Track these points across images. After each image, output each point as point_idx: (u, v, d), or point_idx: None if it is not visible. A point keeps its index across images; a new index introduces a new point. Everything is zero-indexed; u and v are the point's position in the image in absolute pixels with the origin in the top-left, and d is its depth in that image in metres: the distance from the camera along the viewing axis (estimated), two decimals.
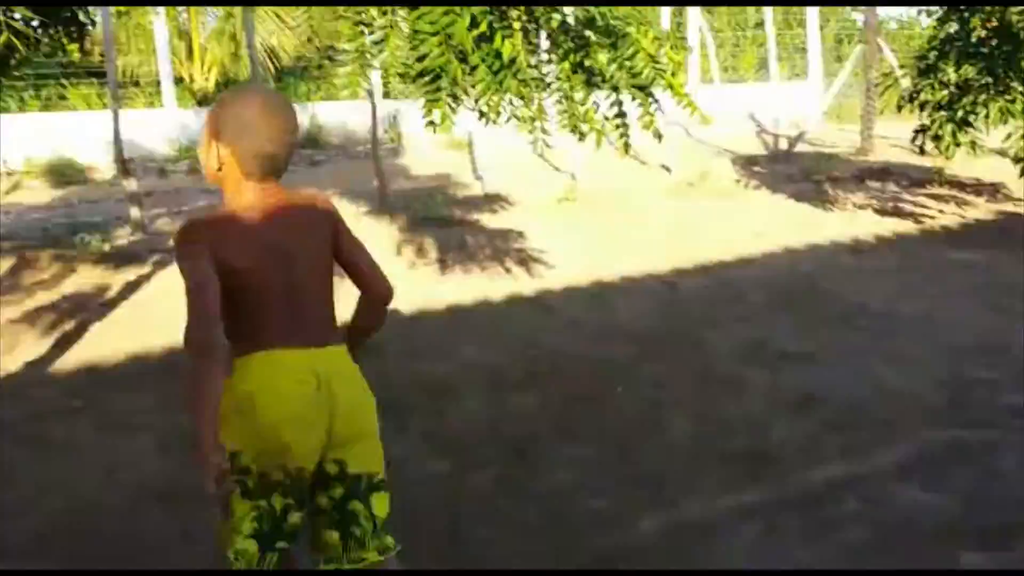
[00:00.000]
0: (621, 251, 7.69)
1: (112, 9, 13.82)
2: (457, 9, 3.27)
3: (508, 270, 7.18)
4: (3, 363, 5.38)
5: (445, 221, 8.89)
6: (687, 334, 5.54)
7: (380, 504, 2.28)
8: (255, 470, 2.13)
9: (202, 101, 16.00)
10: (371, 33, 3.31)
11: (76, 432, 4.38)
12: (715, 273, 6.99)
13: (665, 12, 12.31)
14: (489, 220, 8.94)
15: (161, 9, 14.26)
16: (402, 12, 3.40)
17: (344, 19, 3.44)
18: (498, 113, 3.49)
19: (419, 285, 6.77)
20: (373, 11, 3.32)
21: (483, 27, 3.33)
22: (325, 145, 14.55)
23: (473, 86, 3.41)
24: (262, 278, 2.18)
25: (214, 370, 2.01)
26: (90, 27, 5.12)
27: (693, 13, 13.65)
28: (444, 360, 5.20)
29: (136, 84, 16.49)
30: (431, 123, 3.41)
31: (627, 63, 3.82)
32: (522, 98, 3.52)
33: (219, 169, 2.22)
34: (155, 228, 9.14)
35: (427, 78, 3.31)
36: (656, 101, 3.98)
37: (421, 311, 6.13)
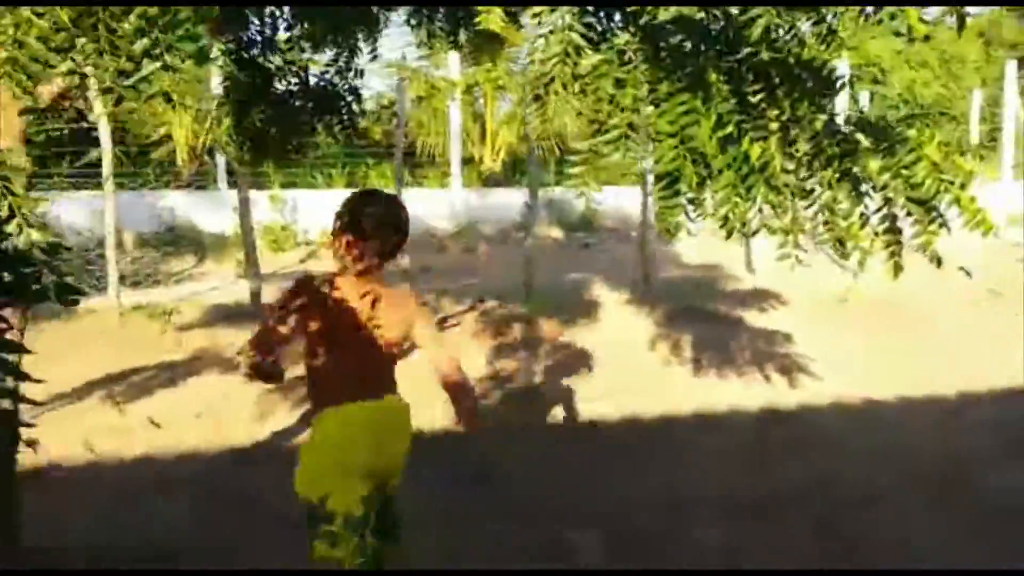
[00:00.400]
0: (901, 366, 6.89)
1: (412, 93, 14.82)
2: (700, 107, 2.96)
3: (767, 377, 6.64)
4: (253, 430, 5.63)
5: (707, 316, 8.46)
6: (962, 474, 4.77)
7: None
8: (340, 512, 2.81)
9: (487, 182, 16.63)
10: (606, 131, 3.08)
11: None
12: (1011, 405, 6.04)
13: (976, 96, 11.19)
14: (755, 318, 8.40)
15: (458, 94, 15.03)
16: (649, 109, 3.14)
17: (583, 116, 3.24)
18: (744, 223, 3.12)
19: (668, 385, 6.42)
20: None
21: (730, 129, 3.00)
22: (599, 228, 14.58)
23: (716, 192, 3.07)
24: (340, 341, 2.92)
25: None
26: (359, 117, 5.30)
27: (1011, 93, 12.32)
28: (677, 473, 4.79)
29: (433, 163, 17.52)
30: (667, 230, 3.11)
31: (904, 172, 3.32)
32: (774, 207, 3.13)
33: (340, 250, 3.05)
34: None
35: (663, 181, 3.02)
36: (939, 216, 3.42)
37: (664, 415, 5.76)
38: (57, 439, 5.46)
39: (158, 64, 1.81)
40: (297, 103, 5.00)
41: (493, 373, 7.08)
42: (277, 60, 4.82)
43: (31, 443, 5.47)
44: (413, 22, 4.95)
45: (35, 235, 1.79)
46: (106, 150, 8.72)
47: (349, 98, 5.15)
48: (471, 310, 9.16)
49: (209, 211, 13.15)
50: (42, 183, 13.41)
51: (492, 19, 3.51)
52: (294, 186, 14.97)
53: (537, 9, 3.11)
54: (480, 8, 3.52)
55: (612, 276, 9.88)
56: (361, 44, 4.80)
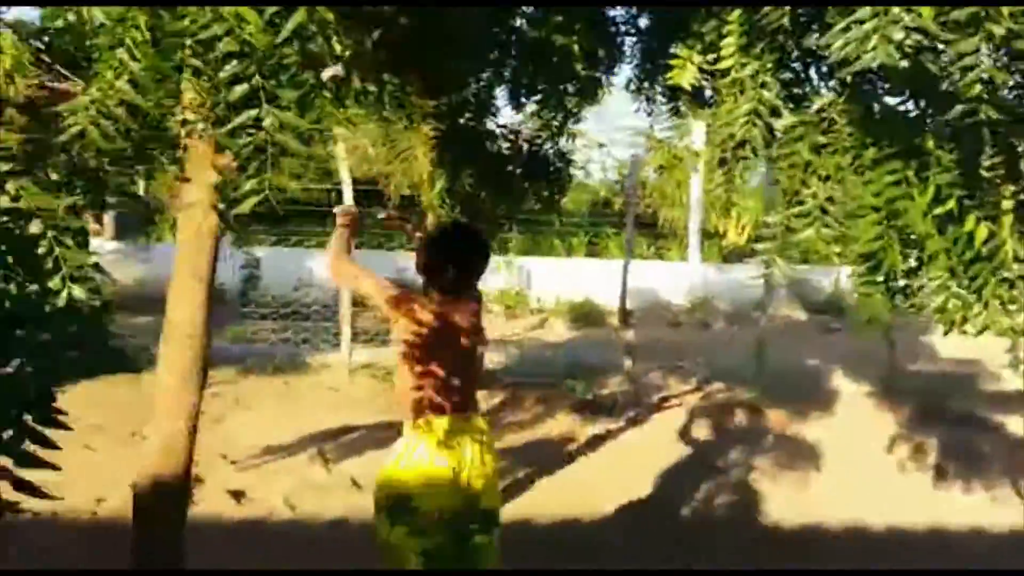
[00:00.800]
0: None
1: (654, 163, 14.61)
2: (913, 178, 2.51)
3: (1021, 493, 5.70)
4: None
5: (958, 417, 7.49)
6: None
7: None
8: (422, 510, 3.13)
9: (727, 257, 16.03)
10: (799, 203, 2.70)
11: None
12: None
13: None
14: (1016, 425, 7.33)
15: (700, 165, 14.63)
16: (851, 178, 2.72)
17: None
18: (965, 319, 2.59)
19: (903, 493, 5.67)
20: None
21: (950, 205, 2.51)
22: (847, 310, 13.54)
23: (930, 279, 2.59)
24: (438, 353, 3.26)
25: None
26: (568, 184, 5.16)
27: None
28: None
29: (675, 235, 17.17)
30: (868, 320, 2.66)
31: None
32: (1003, 303, 2.58)
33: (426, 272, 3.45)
34: (646, 380, 9.07)
35: (864, 264, 2.58)
36: None
37: (892, 528, 5.05)
38: (261, 492, 5.61)
39: (254, 112, 1.69)
40: (508, 167, 4.93)
41: (709, 461, 6.60)
42: (490, 123, 4.77)
43: (237, 494, 5.70)
44: (632, 87, 4.73)
45: (76, 291, 1.70)
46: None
47: (559, 163, 5.01)
48: (695, 391, 8.70)
49: None
50: (287, 239, 14.40)
51: (684, 75, 3.23)
52: (534, 252, 15.14)
53: (726, 63, 2.79)
54: (673, 63, 3.26)
55: (855, 365, 9.05)
56: (571, 104, 4.63)
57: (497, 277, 13.31)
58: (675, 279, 13.82)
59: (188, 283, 3.11)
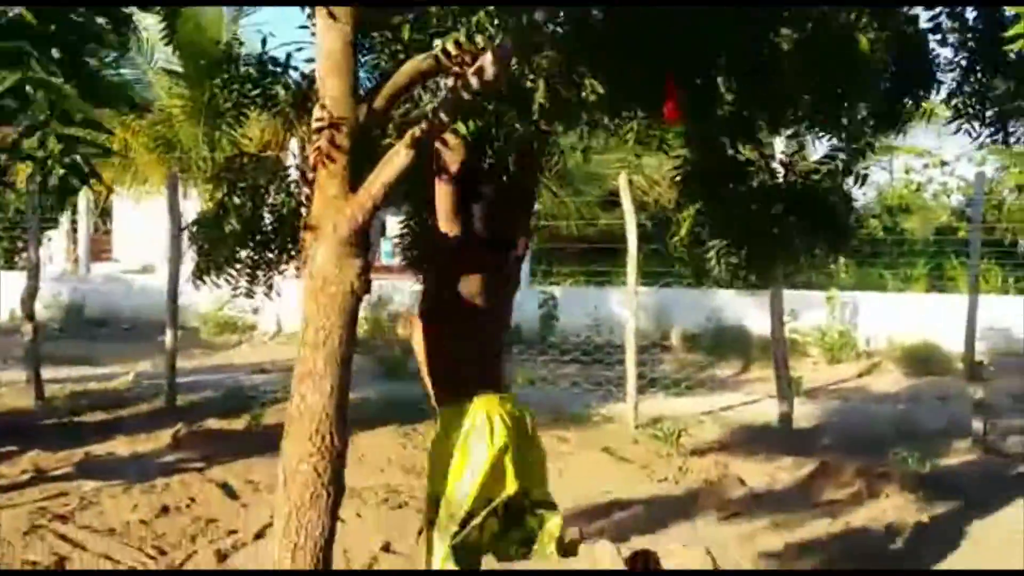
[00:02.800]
0: None
1: (1012, 182, 12.29)
2: None
3: None
4: None
5: None
6: None
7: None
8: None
9: None
10: None
11: None
12: None
13: None
14: None
15: None
16: None
17: None
18: None
19: None
20: None
21: None
22: None
23: None
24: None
25: None
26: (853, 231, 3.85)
27: None
28: None
29: None
30: None
31: None
32: None
33: None
34: (1003, 447, 7.27)
35: None
36: None
37: None
38: None
39: None
40: (772, 205, 3.71)
41: None
42: (749, 152, 3.61)
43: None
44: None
45: None
46: (632, 248, 8.22)
47: (838, 206, 3.68)
48: None
49: (760, 309, 12.10)
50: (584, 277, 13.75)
51: None
52: (863, 285, 13.34)
53: None
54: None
55: None
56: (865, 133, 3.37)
57: (817, 313, 11.75)
58: None
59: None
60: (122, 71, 13.92)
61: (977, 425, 7.23)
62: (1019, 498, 6.14)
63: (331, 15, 2.38)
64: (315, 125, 2.43)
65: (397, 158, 2.29)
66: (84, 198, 15.71)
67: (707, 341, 12.12)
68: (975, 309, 7.51)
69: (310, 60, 3.00)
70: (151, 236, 13.84)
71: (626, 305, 8.64)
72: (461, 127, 2.37)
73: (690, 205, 3.67)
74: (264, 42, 3.59)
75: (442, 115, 2.27)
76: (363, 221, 2.36)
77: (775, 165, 3.45)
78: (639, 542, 5.30)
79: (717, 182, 3.46)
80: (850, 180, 3.32)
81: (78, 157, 1.69)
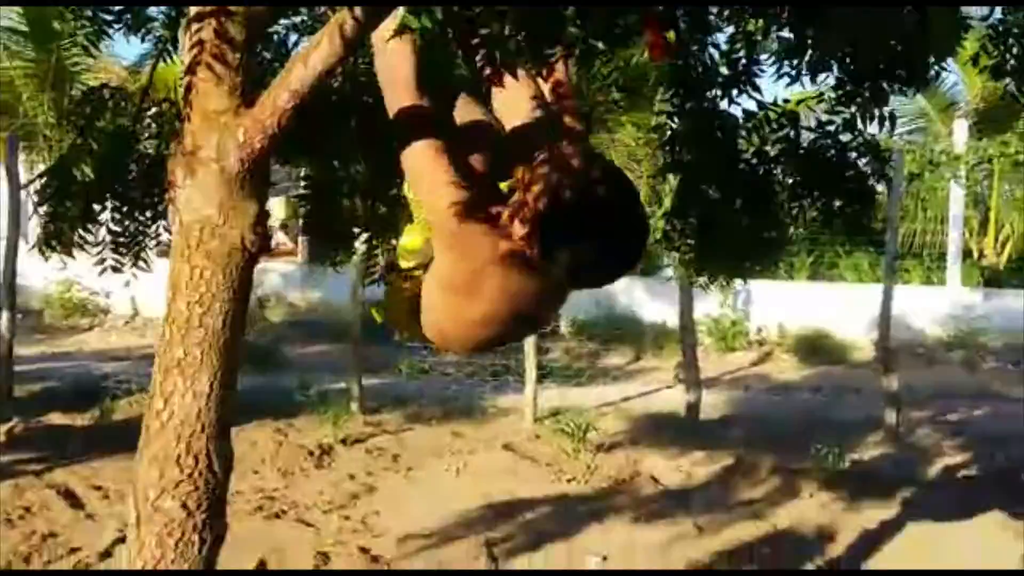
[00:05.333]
0: None
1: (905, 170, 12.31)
2: None
3: None
4: None
5: None
6: None
7: None
8: None
9: (990, 281, 13.41)
10: None
11: None
12: None
13: None
14: None
15: (962, 171, 12.25)
16: None
17: None
18: None
19: None
20: None
21: None
22: None
23: None
24: None
25: None
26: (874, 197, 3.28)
27: None
28: None
29: (915, 256, 14.68)
30: None
31: None
32: None
33: None
34: (913, 441, 7.03)
35: None
36: None
37: None
38: None
39: None
40: (774, 172, 3.09)
41: None
42: (748, 103, 2.95)
43: None
44: None
45: None
46: None
47: (862, 166, 3.08)
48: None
49: (653, 296, 11.73)
50: None
51: None
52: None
53: None
54: None
55: None
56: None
57: (709, 302, 11.44)
58: (924, 307, 11.45)
59: None
60: None
61: (890, 417, 6.96)
62: (940, 492, 5.88)
63: None
64: (194, 10, 1.69)
65: (317, 52, 1.56)
66: None
67: (599, 329, 11.64)
68: (889, 298, 7.24)
69: None
70: None
71: None
72: (411, 19, 1.58)
73: (673, 175, 3.04)
74: None
75: None
76: (262, 147, 1.63)
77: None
78: (554, 549, 4.72)
79: (706, 147, 2.84)
80: (873, 127, 2.72)
81: None
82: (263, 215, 1.72)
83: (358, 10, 1.53)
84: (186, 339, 1.65)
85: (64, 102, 11.34)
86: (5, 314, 7.41)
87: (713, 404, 7.87)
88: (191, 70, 1.67)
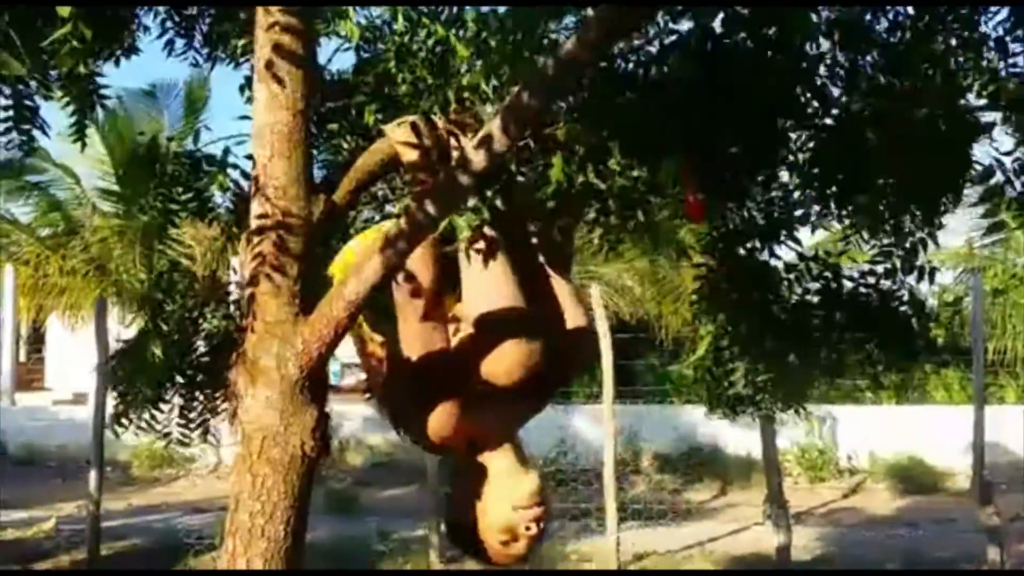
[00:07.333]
0: None
1: (985, 286, 11.98)
2: None
3: None
4: None
5: None
6: None
7: None
8: None
9: None
10: None
11: None
12: None
13: None
14: None
15: None
16: None
17: None
18: None
19: None
20: None
21: None
22: None
23: None
24: None
25: None
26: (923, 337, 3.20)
27: None
28: None
29: (1009, 372, 14.10)
30: None
31: None
32: None
33: None
34: None
35: None
36: None
37: None
38: None
39: None
40: (817, 315, 3.05)
41: None
42: (787, 254, 2.97)
43: None
44: None
45: None
46: (607, 363, 7.58)
47: (903, 310, 3.03)
48: None
49: (734, 425, 11.42)
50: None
51: None
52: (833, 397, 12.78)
53: None
54: None
55: None
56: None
57: (795, 431, 11.09)
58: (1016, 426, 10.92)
59: None
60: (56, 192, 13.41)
61: (992, 554, 6.57)
62: None
63: (277, 79, 1.76)
64: (255, 224, 1.78)
65: (370, 265, 1.62)
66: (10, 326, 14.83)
67: (680, 463, 11.38)
68: (982, 423, 6.94)
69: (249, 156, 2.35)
70: (85, 364, 12.89)
71: (599, 425, 7.94)
72: (459, 221, 1.66)
73: (709, 321, 3.03)
74: (197, 135, 2.96)
75: (429, 208, 1.60)
76: (320, 354, 1.69)
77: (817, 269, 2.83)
78: None
79: (745, 291, 2.84)
80: (911, 279, 2.70)
81: None
82: (322, 419, 1.77)
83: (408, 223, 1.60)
84: (249, 550, 1.67)
85: (154, 259, 11.90)
86: (93, 473, 7.59)
87: (804, 544, 7.55)
88: (252, 282, 1.75)
